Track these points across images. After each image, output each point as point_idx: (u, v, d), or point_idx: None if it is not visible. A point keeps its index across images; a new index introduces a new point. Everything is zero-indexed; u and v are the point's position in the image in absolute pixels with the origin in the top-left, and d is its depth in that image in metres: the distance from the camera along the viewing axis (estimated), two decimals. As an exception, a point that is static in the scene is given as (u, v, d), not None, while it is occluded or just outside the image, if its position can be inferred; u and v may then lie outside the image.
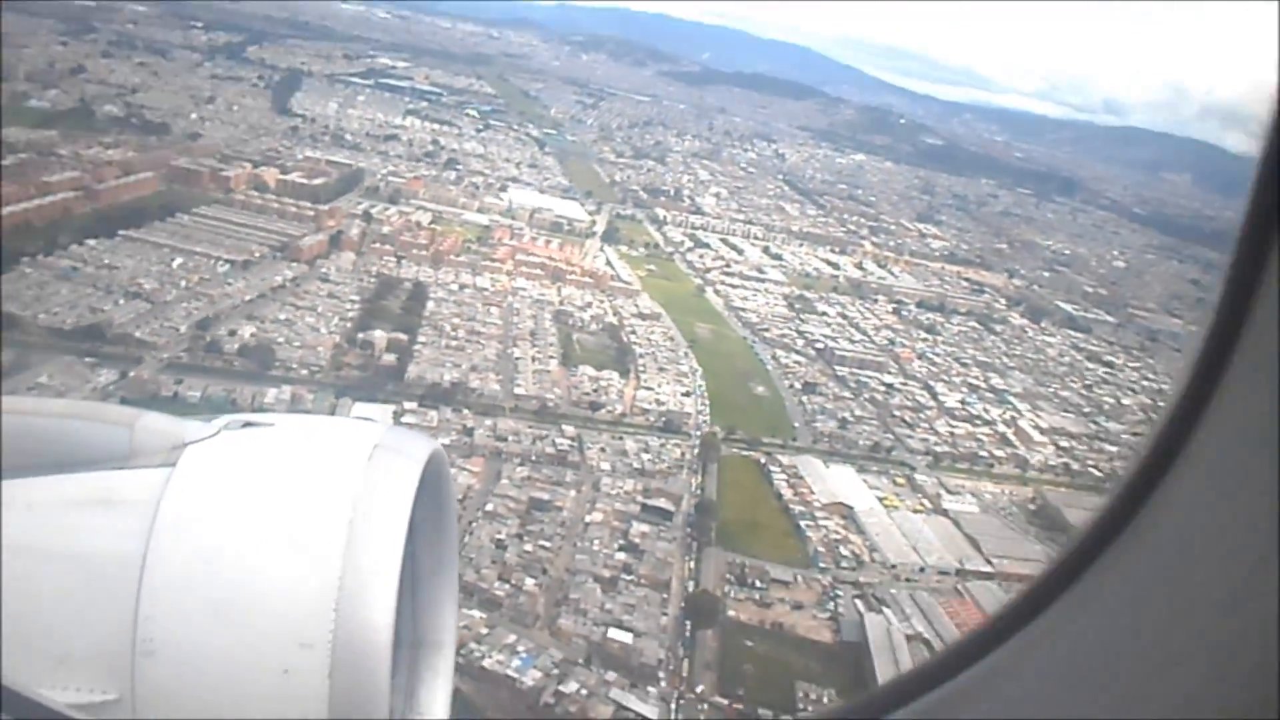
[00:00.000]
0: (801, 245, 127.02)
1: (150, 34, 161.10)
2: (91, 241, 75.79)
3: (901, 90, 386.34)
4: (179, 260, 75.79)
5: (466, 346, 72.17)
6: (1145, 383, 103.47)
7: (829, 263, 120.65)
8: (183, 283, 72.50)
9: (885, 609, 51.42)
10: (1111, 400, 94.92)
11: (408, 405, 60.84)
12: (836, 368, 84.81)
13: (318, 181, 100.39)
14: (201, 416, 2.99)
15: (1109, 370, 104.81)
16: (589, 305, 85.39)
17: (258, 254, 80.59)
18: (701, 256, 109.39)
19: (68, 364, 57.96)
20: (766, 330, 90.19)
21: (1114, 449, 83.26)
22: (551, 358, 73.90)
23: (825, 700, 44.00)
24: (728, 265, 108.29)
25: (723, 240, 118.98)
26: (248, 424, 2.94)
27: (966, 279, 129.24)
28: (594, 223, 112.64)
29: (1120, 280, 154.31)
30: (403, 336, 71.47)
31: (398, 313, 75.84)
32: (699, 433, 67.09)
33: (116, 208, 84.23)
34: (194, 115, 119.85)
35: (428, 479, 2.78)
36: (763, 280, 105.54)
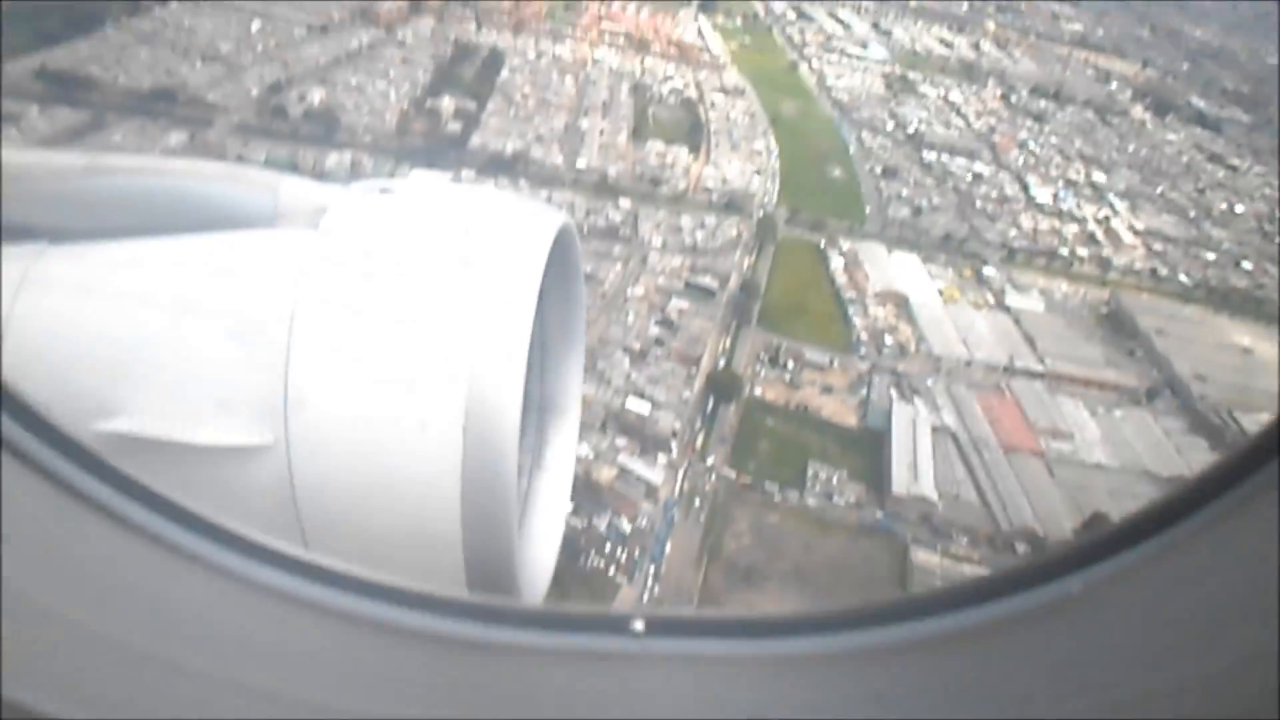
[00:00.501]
0: (916, 21, 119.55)
1: None
2: (174, 4, 76.25)
3: None
4: (258, 24, 75.89)
5: (535, 117, 71.59)
6: (1268, 190, 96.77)
7: (943, 41, 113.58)
8: (259, 46, 73.02)
9: (917, 399, 51.38)
10: (1224, 206, 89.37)
11: (466, 174, 61.15)
12: (924, 153, 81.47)
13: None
14: (340, 182, 3.06)
15: (1230, 173, 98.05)
16: (670, 78, 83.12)
17: (337, 18, 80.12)
18: (803, 30, 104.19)
19: (140, 126, 59.74)
20: (857, 111, 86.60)
21: (1212, 256, 79.25)
22: (621, 131, 72.85)
23: (834, 480, 44.99)
24: (829, 40, 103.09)
25: (829, 13, 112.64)
26: (385, 189, 3.02)
27: (1094, 66, 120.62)
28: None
29: (1269, 78, 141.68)
30: (471, 104, 71.17)
31: (470, 80, 75.31)
32: (762, 213, 66.03)
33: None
34: None
35: (557, 250, 2.84)
36: (864, 58, 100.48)
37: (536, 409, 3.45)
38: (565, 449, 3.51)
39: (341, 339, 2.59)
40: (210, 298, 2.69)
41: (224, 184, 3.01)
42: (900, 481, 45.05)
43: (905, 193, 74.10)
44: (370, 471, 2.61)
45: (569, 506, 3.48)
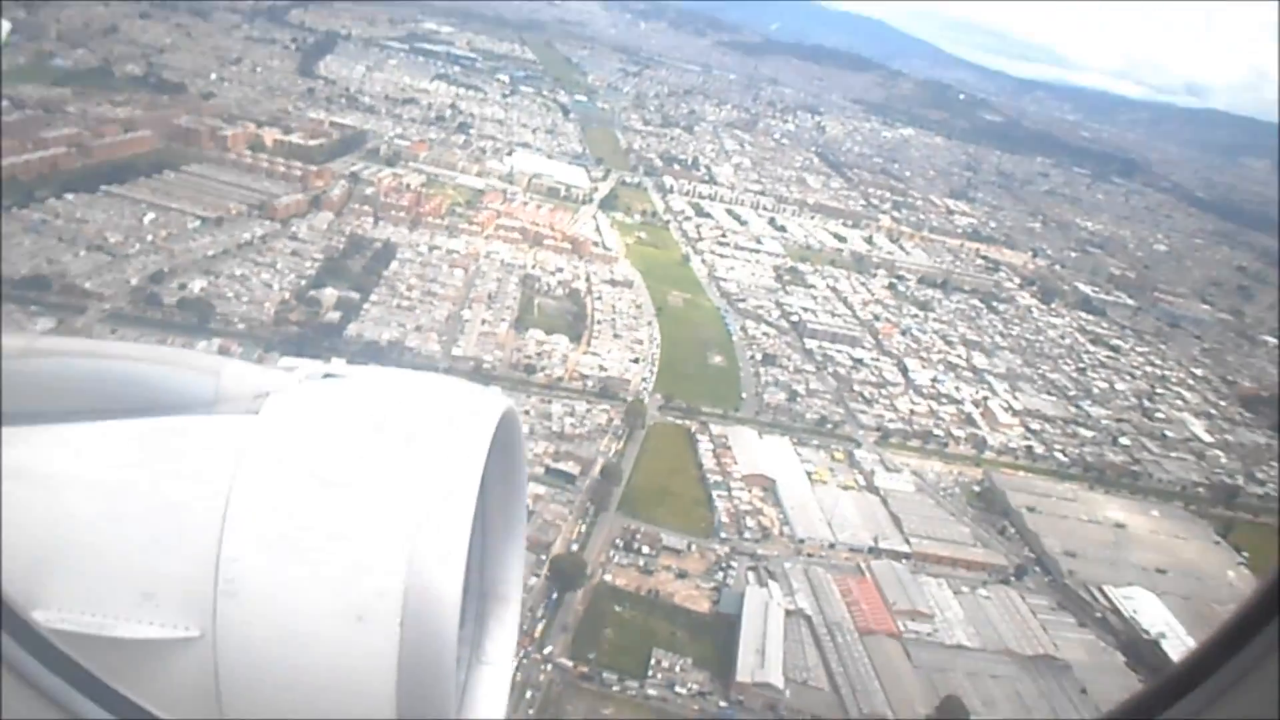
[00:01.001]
0: (814, 218, 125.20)
1: None
2: (71, 196, 77.72)
3: (974, 66, 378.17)
4: (151, 216, 77.43)
5: (418, 307, 72.70)
6: (1149, 368, 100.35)
7: (837, 236, 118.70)
8: (149, 237, 74.16)
9: (773, 583, 50.84)
10: (1104, 385, 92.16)
11: (335, 362, 61.14)
12: (807, 340, 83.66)
13: (314, 143, 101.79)
14: (283, 366, 3.08)
15: (1112, 354, 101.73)
16: (560, 270, 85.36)
17: (234, 211, 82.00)
18: (699, 226, 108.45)
19: (7, 311, 59.70)
20: (744, 301, 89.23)
21: (1089, 434, 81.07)
22: (503, 320, 74.14)
23: (678, 668, 43.79)
24: (724, 235, 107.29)
25: (728, 210, 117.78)
26: (328, 375, 3.03)
27: (984, 256, 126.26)
28: (594, 189, 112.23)
29: (1156, 264, 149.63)
30: (355, 295, 72.29)
31: (358, 272, 76.73)
32: (634, 399, 66.78)
33: (108, 164, 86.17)
34: (214, 76, 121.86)
35: (499, 435, 2.80)
36: (757, 251, 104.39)
37: (476, 596, 3.38)
38: (506, 640, 3.43)
39: (277, 526, 2.55)
40: (143, 483, 2.65)
41: (165, 367, 3.00)
42: (746, 668, 43.92)
43: (783, 378, 75.57)
44: (301, 665, 2.53)
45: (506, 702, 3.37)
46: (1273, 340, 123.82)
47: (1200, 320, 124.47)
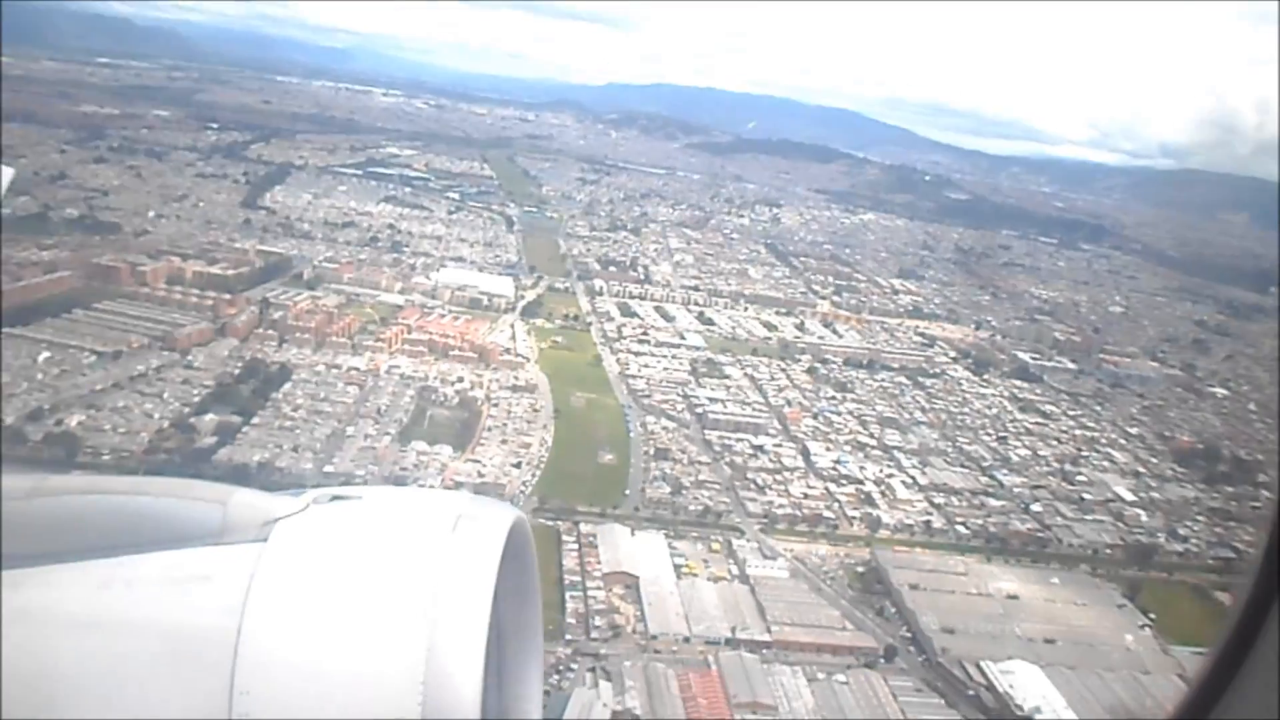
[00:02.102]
0: (748, 308, 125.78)
1: (160, 137, 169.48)
2: (-39, 340, 79.10)
3: (949, 147, 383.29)
4: (46, 354, 78.65)
5: (300, 427, 73.04)
6: (1078, 432, 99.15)
7: (767, 325, 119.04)
8: (39, 376, 75.19)
9: (606, 683, 49.63)
10: (1026, 452, 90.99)
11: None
12: (708, 432, 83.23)
13: (234, 272, 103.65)
14: (291, 491, 3.13)
15: (1041, 421, 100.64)
16: (461, 380, 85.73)
17: (135, 344, 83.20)
18: (621, 326, 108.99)
19: None
20: (649, 397, 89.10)
21: (998, 504, 79.75)
22: (388, 434, 74.26)
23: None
24: (645, 333, 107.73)
25: (657, 308, 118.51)
26: (335, 497, 3.07)
27: (921, 333, 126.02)
28: (521, 297, 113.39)
29: (1109, 325, 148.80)
30: (237, 419, 72.77)
31: (247, 396, 77.35)
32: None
33: (18, 307, 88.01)
34: (153, 214, 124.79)
35: (510, 547, 2.89)
36: (677, 346, 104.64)
37: (494, 716, 3.31)
38: None
39: (290, 656, 2.58)
40: (153, 620, 2.68)
41: (171, 500, 3.04)
42: (556, 773, 42.55)
43: (672, 472, 75.00)
44: None
45: None
46: (1221, 391, 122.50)
47: (1146, 378, 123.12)
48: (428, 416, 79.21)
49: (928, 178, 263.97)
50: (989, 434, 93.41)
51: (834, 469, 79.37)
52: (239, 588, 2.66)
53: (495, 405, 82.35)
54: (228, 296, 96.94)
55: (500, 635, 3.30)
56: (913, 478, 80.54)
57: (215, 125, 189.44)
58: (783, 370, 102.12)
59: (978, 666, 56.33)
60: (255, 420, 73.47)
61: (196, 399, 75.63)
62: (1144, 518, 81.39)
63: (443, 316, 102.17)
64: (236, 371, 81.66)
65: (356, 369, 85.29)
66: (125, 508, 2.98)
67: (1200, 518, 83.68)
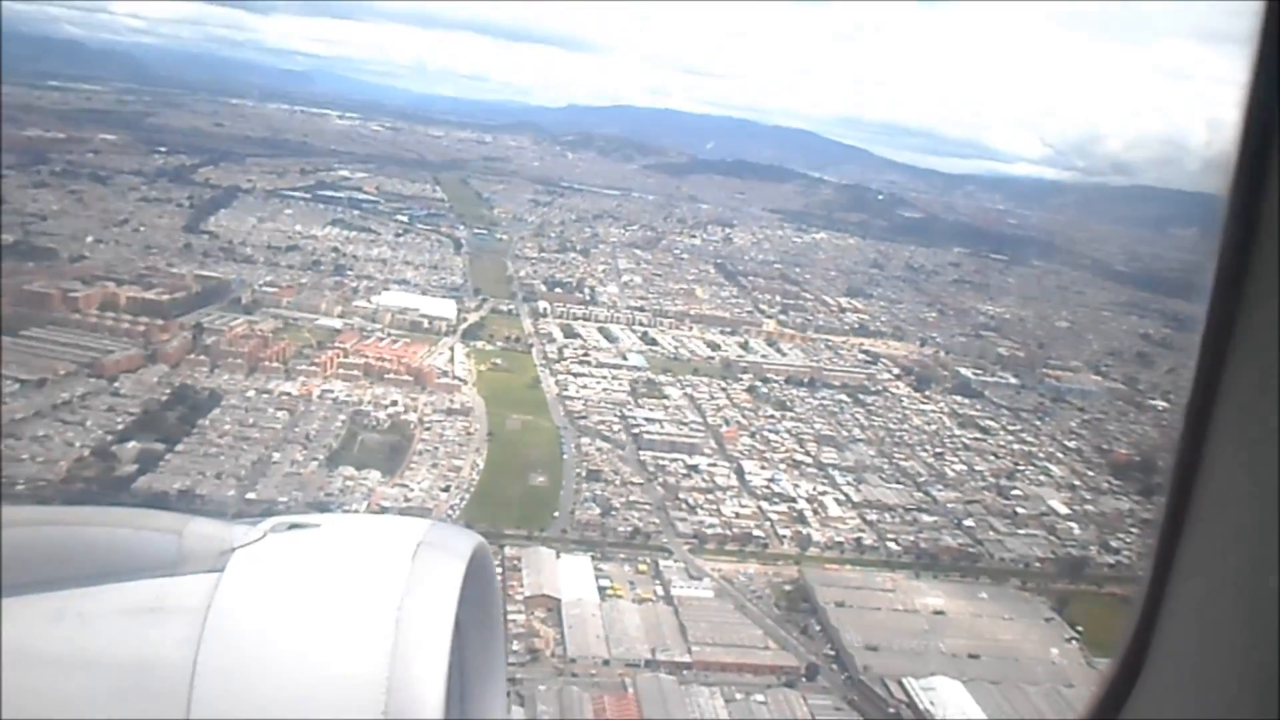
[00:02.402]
0: (692, 328, 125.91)
1: (105, 161, 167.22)
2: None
3: (906, 166, 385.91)
4: (-33, 388, 77.26)
5: (224, 453, 72.18)
6: (1016, 446, 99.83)
7: (711, 344, 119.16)
8: (-43, 411, 73.79)
9: (519, 708, 49.18)
10: (962, 468, 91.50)
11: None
12: (643, 452, 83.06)
13: (167, 297, 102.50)
14: (248, 520, 3.00)
15: (979, 436, 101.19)
16: (395, 404, 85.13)
17: (61, 372, 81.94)
18: (563, 348, 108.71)
19: None
20: (585, 418, 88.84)
21: (931, 519, 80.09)
22: (315, 460, 73.55)
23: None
24: (586, 354, 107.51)
25: (600, 329, 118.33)
26: (294, 525, 2.94)
27: (866, 351, 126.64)
28: (463, 320, 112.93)
29: (1054, 340, 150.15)
30: (160, 446, 71.79)
31: (173, 423, 76.37)
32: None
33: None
34: (90, 239, 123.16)
35: (472, 574, 2.80)
36: (618, 367, 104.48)
37: None
38: None
39: (246, 687, 2.48)
40: (105, 652, 2.57)
41: (125, 530, 2.91)
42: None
43: (603, 493, 74.75)
44: None
45: None
46: (1161, 404, 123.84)
47: (1087, 392, 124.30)
48: (358, 441, 78.56)
49: (881, 197, 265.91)
50: (926, 450, 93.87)
51: (768, 488, 79.35)
52: (195, 619, 2.61)
53: (428, 429, 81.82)
54: (160, 322, 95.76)
55: (463, 664, 3.23)
56: (846, 495, 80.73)
57: (163, 149, 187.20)
58: (723, 389, 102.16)
59: (900, 683, 56.38)
60: (179, 447, 72.54)
61: (120, 427, 74.53)
62: (1077, 531, 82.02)
63: (381, 340, 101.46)
64: (164, 398, 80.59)
65: (288, 394, 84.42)
66: (78, 538, 2.90)
67: (1133, 529, 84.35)
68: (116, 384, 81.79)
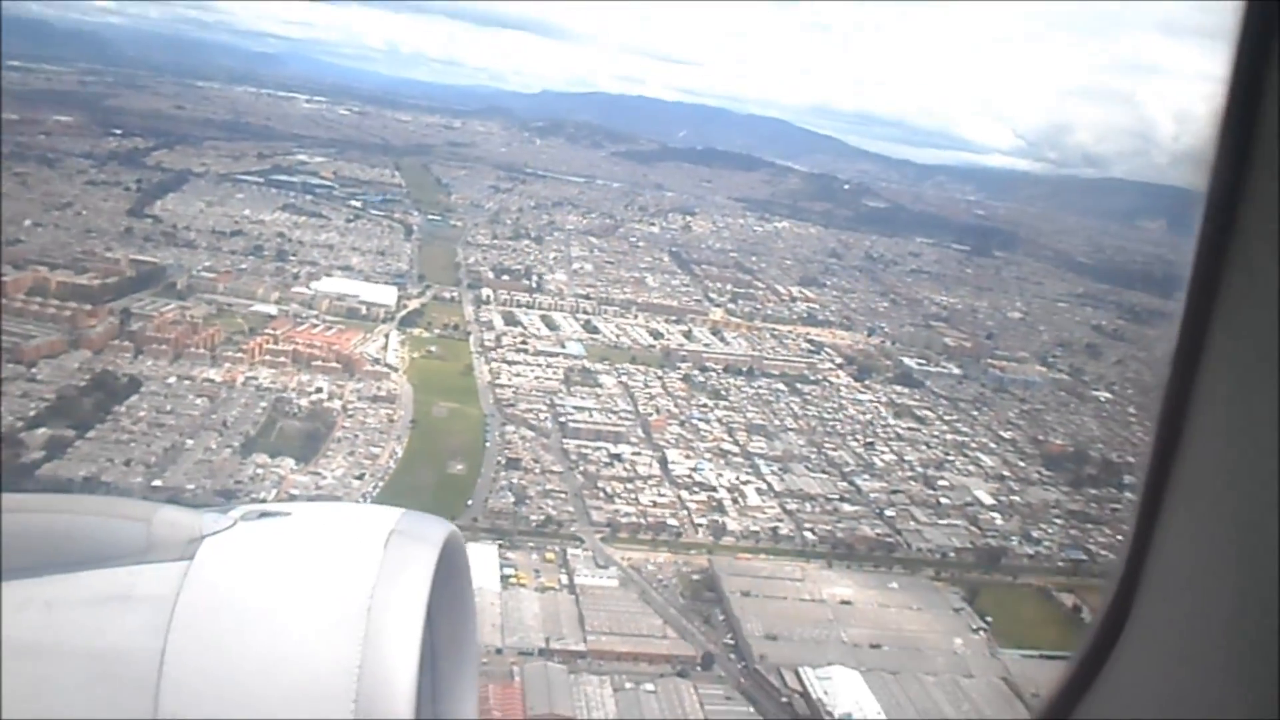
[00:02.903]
0: (638, 316, 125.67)
1: (56, 144, 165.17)
2: None
3: (878, 156, 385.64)
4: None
5: (136, 440, 71.55)
6: (950, 436, 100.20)
7: (654, 332, 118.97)
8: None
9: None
10: (892, 458, 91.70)
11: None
12: (567, 441, 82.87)
13: (99, 282, 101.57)
14: (218, 508, 2.97)
15: (914, 426, 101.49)
16: (320, 391, 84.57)
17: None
18: (501, 335, 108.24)
19: None
20: (514, 406, 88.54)
21: (852, 509, 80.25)
22: (230, 447, 73.01)
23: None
24: (524, 342, 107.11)
25: (543, 317, 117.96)
26: (264, 514, 2.91)
27: (810, 340, 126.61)
28: (401, 307, 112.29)
29: (1004, 331, 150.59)
30: (71, 433, 71.10)
31: (88, 409, 75.61)
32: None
33: None
34: (28, 223, 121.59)
35: (444, 562, 2.78)
36: (555, 355, 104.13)
37: None
38: None
39: (216, 676, 2.48)
40: (72, 641, 2.57)
41: (92, 518, 2.88)
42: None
43: (519, 481, 74.55)
44: None
45: None
46: (1104, 395, 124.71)
47: (1030, 383, 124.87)
48: (277, 429, 78.06)
49: (847, 186, 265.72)
50: (857, 440, 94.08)
51: (689, 476, 79.33)
52: (163, 607, 2.58)
53: (350, 416, 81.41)
54: (88, 308, 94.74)
55: (434, 652, 3.19)
56: (769, 484, 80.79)
57: (119, 131, 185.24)
58: (659, 378, 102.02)
59: (795, 673, 56.50)
60: (91, 434, 71.88)
61: (32, 413, 73.77)
62: (999, 521, 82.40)
63: (314, 327, 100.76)
64: (82, 384, 79.80)
65: (211, 381, 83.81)
66: (44, 526, 2.86)
67: (1058, 520, 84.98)
68: (34, 370, 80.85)
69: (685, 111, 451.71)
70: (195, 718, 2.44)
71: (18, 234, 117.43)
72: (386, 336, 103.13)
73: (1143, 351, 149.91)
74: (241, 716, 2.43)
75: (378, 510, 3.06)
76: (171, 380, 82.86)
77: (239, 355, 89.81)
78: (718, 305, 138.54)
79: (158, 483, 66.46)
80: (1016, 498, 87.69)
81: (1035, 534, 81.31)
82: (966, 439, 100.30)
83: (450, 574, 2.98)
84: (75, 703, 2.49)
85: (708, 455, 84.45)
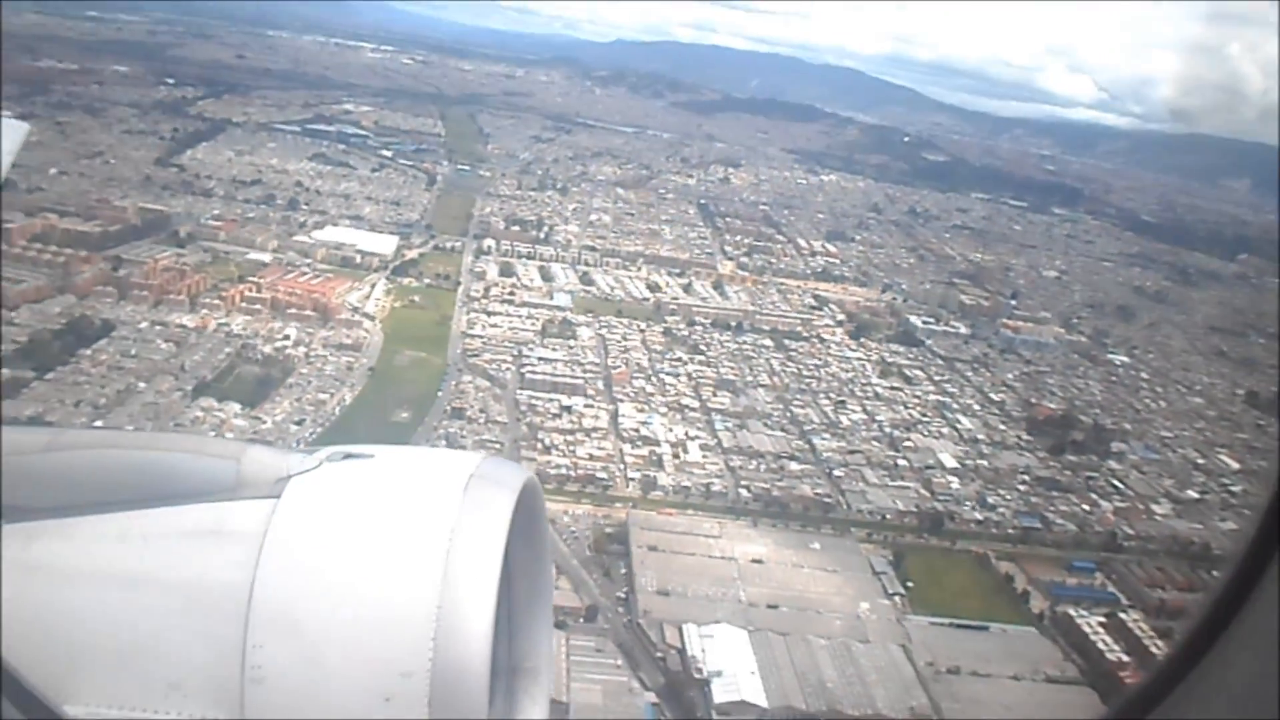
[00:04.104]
0: (641, 269, 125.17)
1: (106, 93, 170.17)
2: None
3: (954, 108, 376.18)
4: None
5: (91, 383, 74.29)
6: (933, 398, 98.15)
7: (652, 286, 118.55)
8: None
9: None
10: (860, 418, 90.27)
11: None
12: (522, 392, 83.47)
13: (100, 230, 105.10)
14: (304, 449, 3.25)
15: (897, 387, 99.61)
16: (287, 338, 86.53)
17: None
18: (492, 286, 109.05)
19: None
20: (478, 356, 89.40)
21: (799, 468, 79.42)
22: (181, 391, 75.38)
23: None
24: (512, 293, 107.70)
25: (541, 268, 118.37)
26: (348, 455, 3.17)
27: (817, 296, 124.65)
28: (399, 257, 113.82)
29: (1033, 290, 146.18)
30: (30, 374, 74.16)
31: (56, 352, 78.63)
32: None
33: None
34: (54, 171, 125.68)
35: (522, 507, 2.98)
36: (539, 306, 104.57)
37: (505, 673, 3.42)
38: (537, 715, 3.49)
39: (302, 610, 2.68)
40: (167, 572, 2.81)
41: (186, 455, 3.17)
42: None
43: (457, 431, 75.44)
44: None
45: None
46: (1122, 359, 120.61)
47: (1042, 344, 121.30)
48: (234, 374, 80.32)
49: (907, 139, 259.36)
50: (829, 398, 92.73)
51: (635, 430, 79.35)
52: (252, 543, 2.75)
53: (310, 364, 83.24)
54: (84, 254, 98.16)
55: (511, 593, 3.36)
56: (719, 440, 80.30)
57: (172, 81, 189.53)
58: (641, 331, 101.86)
59: (678, 629, 56.54)
60: (49, 376, 74.81)
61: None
62: (955, 485, 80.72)
63: (303, 275, 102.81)
64: (56, 328, 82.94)
65: (183, 326, 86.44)
66: (140, 462, 3.07)
67: (1021, 487, 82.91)
68: (14, 314, 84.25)
69: (758, 61, 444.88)
70: (281, 648, 2.57)
71: (40, 182, 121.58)
72: (373, 286, 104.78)
73: (1181, 314, 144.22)
74: (325, 652, 2.57)
75: (459, 454, 3.19)
76: (144, 325, 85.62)
77: (217, 302, 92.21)
78: (730, 259, 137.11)
79: (99, 423, 68.99)
80: (984, 462, 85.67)
81: (992, 500, 79.43)
82: (950, 400, 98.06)
83: (527, 518, 3.10)
84: (169, 631, 2.65)
85: (663, 410, 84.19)
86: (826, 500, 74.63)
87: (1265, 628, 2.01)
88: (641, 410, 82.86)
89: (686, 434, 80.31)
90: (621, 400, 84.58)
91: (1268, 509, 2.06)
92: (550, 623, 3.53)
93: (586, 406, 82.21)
